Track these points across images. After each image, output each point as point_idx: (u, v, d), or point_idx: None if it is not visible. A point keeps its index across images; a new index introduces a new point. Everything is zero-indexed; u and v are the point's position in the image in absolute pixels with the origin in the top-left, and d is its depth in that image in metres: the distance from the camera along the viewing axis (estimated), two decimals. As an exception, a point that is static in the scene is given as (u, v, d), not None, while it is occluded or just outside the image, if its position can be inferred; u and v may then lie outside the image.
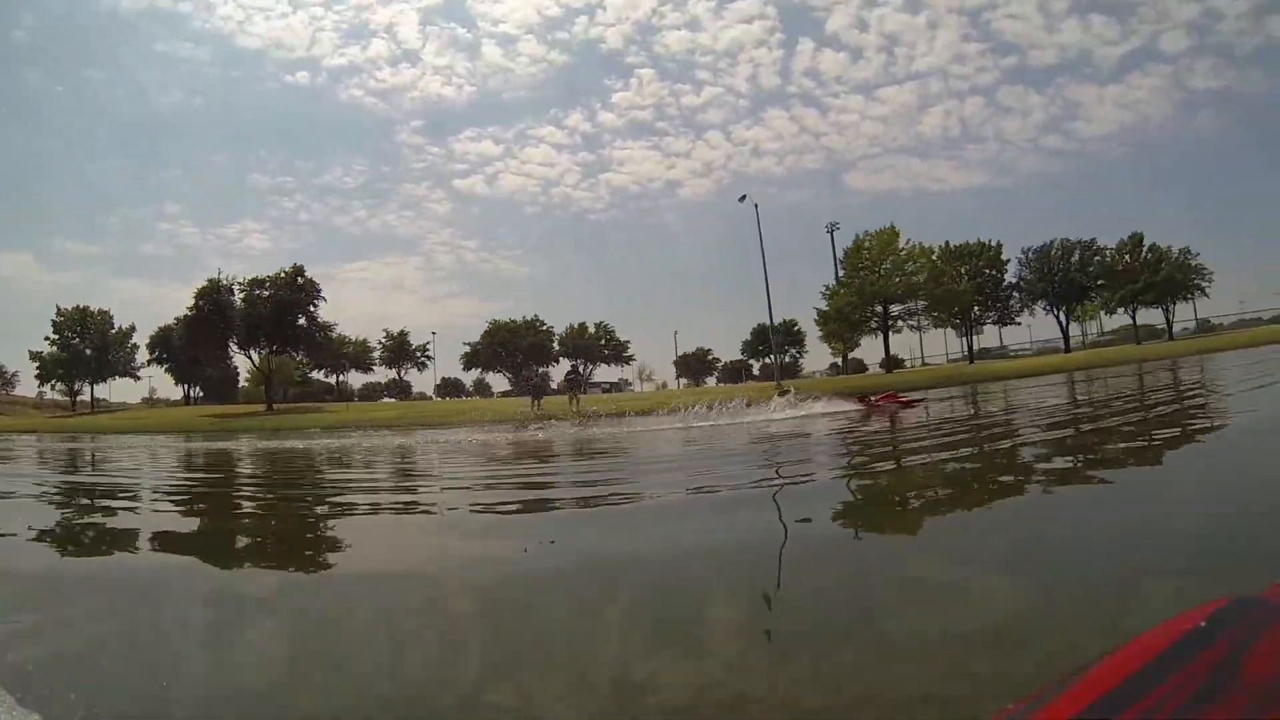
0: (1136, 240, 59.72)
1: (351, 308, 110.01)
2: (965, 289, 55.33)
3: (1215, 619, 0.77)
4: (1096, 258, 60.15)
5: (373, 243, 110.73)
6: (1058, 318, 61.72)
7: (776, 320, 47.98)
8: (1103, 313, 63.59)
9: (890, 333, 53.14)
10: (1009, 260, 61.08)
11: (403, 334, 76.85)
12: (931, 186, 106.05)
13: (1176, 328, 62.98)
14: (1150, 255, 58.70)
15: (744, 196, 41.59)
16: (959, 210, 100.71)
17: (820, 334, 56.80)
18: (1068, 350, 59.29)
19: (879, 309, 51.67)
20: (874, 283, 50.43)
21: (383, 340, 76.55)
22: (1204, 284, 58.82)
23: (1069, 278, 59.79)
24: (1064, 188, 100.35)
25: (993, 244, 60.59)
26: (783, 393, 21.34)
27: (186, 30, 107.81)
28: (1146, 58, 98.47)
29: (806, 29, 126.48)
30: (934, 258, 53.62)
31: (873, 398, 17.58)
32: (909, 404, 16.66)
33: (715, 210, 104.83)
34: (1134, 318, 61.23)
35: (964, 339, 63.31)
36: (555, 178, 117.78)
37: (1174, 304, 60.24)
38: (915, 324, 54.79)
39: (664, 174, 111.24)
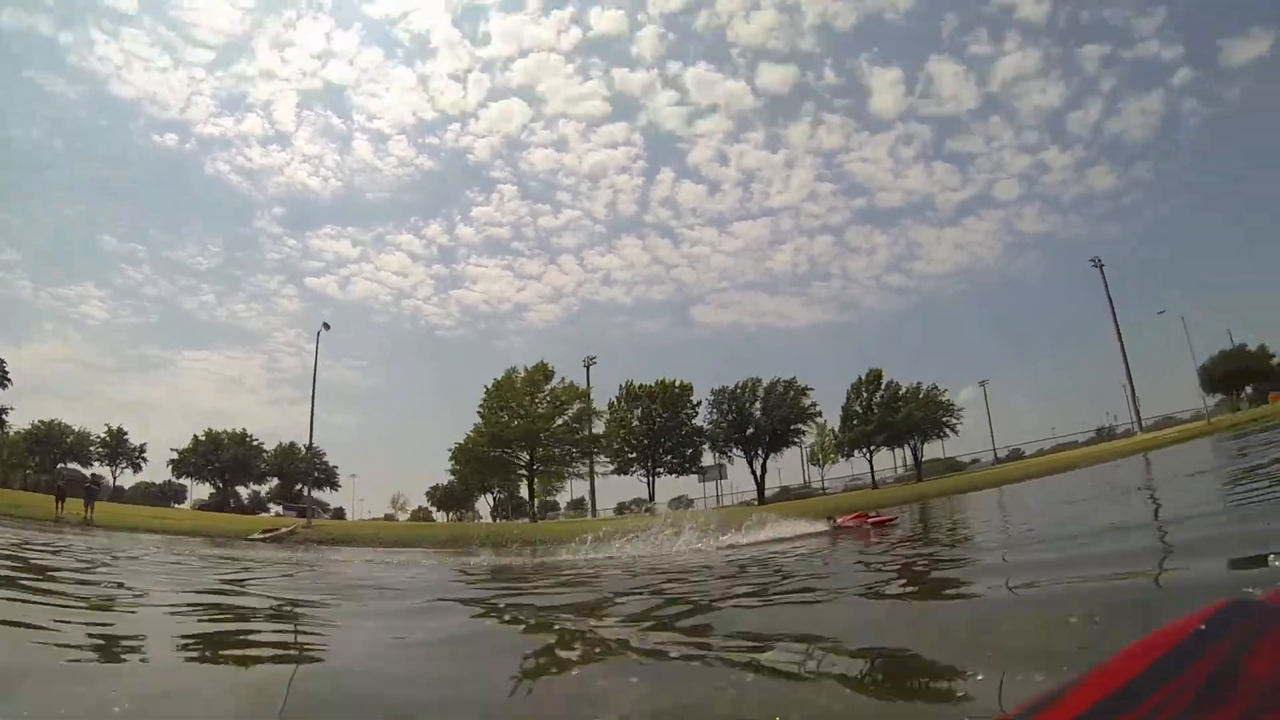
0: (874, 377, 57.29)
1: (188, 399, 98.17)
2: (633, 431, 52.37)
3: (1215, 622, 0.79)
4: (800, 398, 56.78)
5: (219, 331, 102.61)
6: (750, 464, 57.13)
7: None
8: (840, 456, 59.52)
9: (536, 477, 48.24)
10: (699, 402, 56.90)
11: (120, 430, 70.38)
12: (778, 322, 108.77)
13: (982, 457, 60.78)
14: (885, 394, 56.34)
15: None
16: (801, 346, 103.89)
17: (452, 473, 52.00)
18: (761, 499, 53.59)
19: (524, 453, 46.76)
20: (507, 424, 45.76)
21: (102, 435, 69.87)
22: (954, 421, 57.45)
23: (760, 421, 55.95)
24: (903, 324, 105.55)
25: (678, 384, 56.34)
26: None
27: (61, 64, 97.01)
28: (981, 204, 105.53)
29: (669, 159, 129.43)
30: (588, 399, 49.39)
31: (839, 519, 16.51)
32: (882, 523, 15.67)
33: (559, 336, 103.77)
34: (870, 460, 57.95)
35: (647, 481, 56.50)
36: (408, 288, 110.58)
37: (922, 443, 57.59)
38: (572, 470, 50.67)
39: (514, 295, 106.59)
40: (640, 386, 56.09)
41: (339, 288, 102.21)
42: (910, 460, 62.16)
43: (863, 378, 57.46)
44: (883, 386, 56.68)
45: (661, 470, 55.49)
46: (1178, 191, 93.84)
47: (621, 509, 50.24)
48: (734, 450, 57.00)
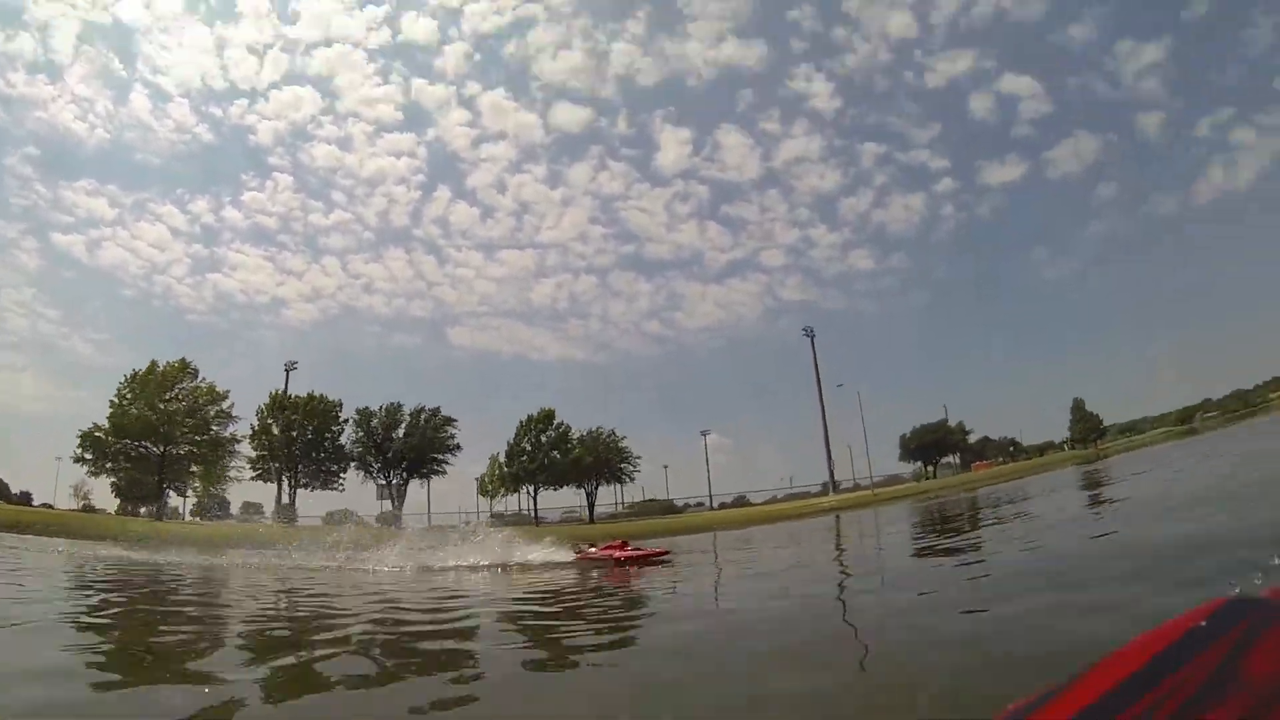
0: (544, 416, 56.78)
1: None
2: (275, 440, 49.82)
3: (1215, 619, 0.78)
4: (445, 428, 55.90)
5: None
6: (388, 487, 55.56)
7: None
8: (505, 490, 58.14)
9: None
10: (347, 420, 54.49)
11: None
12: (532, 354, 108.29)
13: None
14: (554, 435, 56.01)
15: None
16: (551, 380, 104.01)
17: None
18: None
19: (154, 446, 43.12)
20: (136, 416, 41.08)
21: None
22: (631, 469, 58.77)
23: (399, 445, 54.79)
24: (656, 370, 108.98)
25: (326, 399, 53.45)
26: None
27: None
28: (748, 267, 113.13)
29: (449, 178, 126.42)
30: (226, 405, 46.74)
31: (586, 547, 15.56)
32: (648, 557, 14.13)
33: (312, 338, 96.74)
34: (535, 499, 57.22)
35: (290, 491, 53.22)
36: (163, 264, 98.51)
37: (596, 486, 58.27)
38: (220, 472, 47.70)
39: (274, 289, 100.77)
40: (290, 398, 52.58)
41: (87, 250, 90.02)
42: (625, 498, 65.01)
43: (533, 416, 57.00)
44: (553, 427, 56.67)
45: (309, 482, 52.39)
46: (924, 283, 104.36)
47: (330, 518, 45.52)
48: (376, 472, 54.61)
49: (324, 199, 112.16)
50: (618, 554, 14.58)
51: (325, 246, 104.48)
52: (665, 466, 76.02)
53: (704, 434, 70.32)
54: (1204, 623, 0.77)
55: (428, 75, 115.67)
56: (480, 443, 59.04)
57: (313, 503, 53.26)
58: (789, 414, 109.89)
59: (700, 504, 67.44)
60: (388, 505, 54.10)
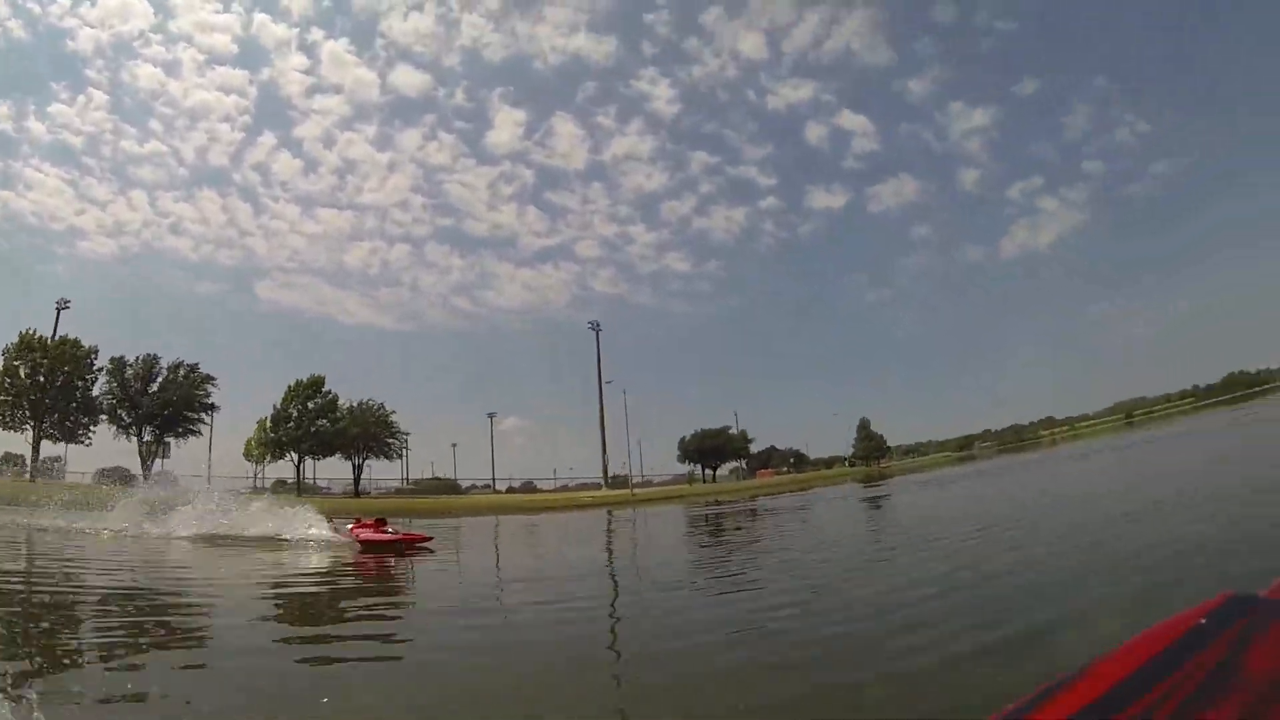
0: (313, 383, 52.50)
1: None
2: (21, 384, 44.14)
3: (1215, 617, 0.77)
4: (203, 387, 51.79)
5: None
6: (140, 443, 49.91)
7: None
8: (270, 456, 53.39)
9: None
10: (101, 369, 48.66)
11: None
12: (340, 316, 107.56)
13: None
14: (321, 403, 52.31)
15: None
16: (359, 344, 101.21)
17: None
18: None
19: None
20: None
21: None
22: (399, 444, 57.51)
23: (155, 401, 49.39)
24: (462, 345, 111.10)
25: (78, 344, 47.42)
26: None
27: None
28: (562, 255, 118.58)
29: (278, 124, 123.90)
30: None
31: (355, 528, 13.52)
32: (408, 542, 12.66)
33: (109, 274, 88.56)
34: (299, 468, 53.31)
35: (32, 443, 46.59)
36: None
37: (364, 459, 55.09)
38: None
39: (71, 217, 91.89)
40: (37, 338, 46.10)
41: None
42: (411, 473, 63.85)
43: (301, 381, 53.36)
44: (321, 394, 53.43)
45: (54, 433, 46.37)
46: (736, 292, 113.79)
47: (103, 475, 38.78)
48: (127, 427, 49.29)
49: (140, 125, 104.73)
50: (365, 534, 12.84)
51: (135, 178, 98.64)
52: (454, 445, 75.39)
53: (491, 416, 71.36)
54: (1204, 620, 0.78)
55: (272, 12, 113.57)
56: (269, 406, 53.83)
57: (88, 458, 46.98)
58: (588, 403, 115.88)
59: (487, 485, 67.08)
60: (160, 464, 48.61)
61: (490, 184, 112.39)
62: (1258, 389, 70.30)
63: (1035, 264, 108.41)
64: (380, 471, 61.30)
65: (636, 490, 57.09)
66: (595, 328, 67.72)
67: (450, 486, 64.67)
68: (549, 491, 63.57)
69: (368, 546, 12.47)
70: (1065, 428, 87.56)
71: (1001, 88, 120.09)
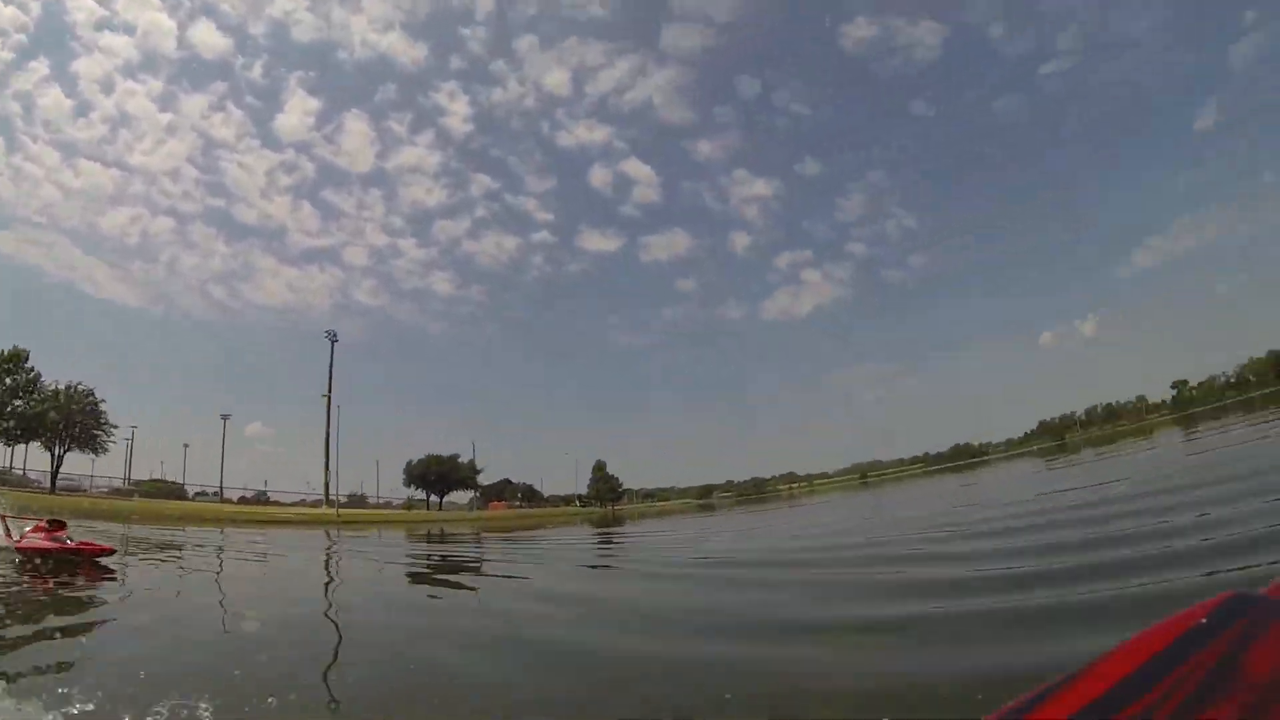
0: (12, 357, 44.57)
1: None
2: None
3: (1216, 616, 0.78)
4: None
5: None
6: None
7: None
8: None
9: None
10: None
11: None
12: (85, 285, 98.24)
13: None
14: (20, 381, 44.41)
15: None
16: (99, 319, 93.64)
17: None
18: None
19: None
20: None
21: None
22: (106, 438, 49.26)
23: None
24: (211, 337, 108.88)
25: None
26: None
27: None
28: (329, 258, 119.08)
29: (54, 52, 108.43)
30: None
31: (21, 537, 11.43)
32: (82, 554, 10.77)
33: None
34: (13, 454, 47.46)
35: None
36: None
37: (65, 449, 46.92)
38: None
39: None
40: None
41: None
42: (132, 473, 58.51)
43: (1, 353, 44.78)
44: (22, 370, 45.46)
45: None
46: (497, 320, 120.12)
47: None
48: None
49: None
50: (33, 540, 11.12)
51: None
52: (186, 445, 68.01)
53: (225, 418, 65.63)
54: (1204, 620, 0.77)
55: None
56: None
57: None
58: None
59: (216, 493, 61.63)
60: None
61: (270, 171, 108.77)
62: (978, 459, 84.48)
63: (793, 329, 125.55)
64: (83, 467, 52.91)
65: (346, 511, 54.92)
66: (332, 338, 63.64)
67: (173, 490, 57.96)
68: (305, 506, 58.48)
69: (29, 555, 10.90)
70: (804, 483, 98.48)
71: (786, 164, 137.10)
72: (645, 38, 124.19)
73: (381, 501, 69.63)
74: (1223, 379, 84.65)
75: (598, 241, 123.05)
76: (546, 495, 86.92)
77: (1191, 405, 79.63)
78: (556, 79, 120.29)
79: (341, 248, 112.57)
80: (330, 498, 58.23)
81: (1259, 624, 0.78)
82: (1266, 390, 65.10)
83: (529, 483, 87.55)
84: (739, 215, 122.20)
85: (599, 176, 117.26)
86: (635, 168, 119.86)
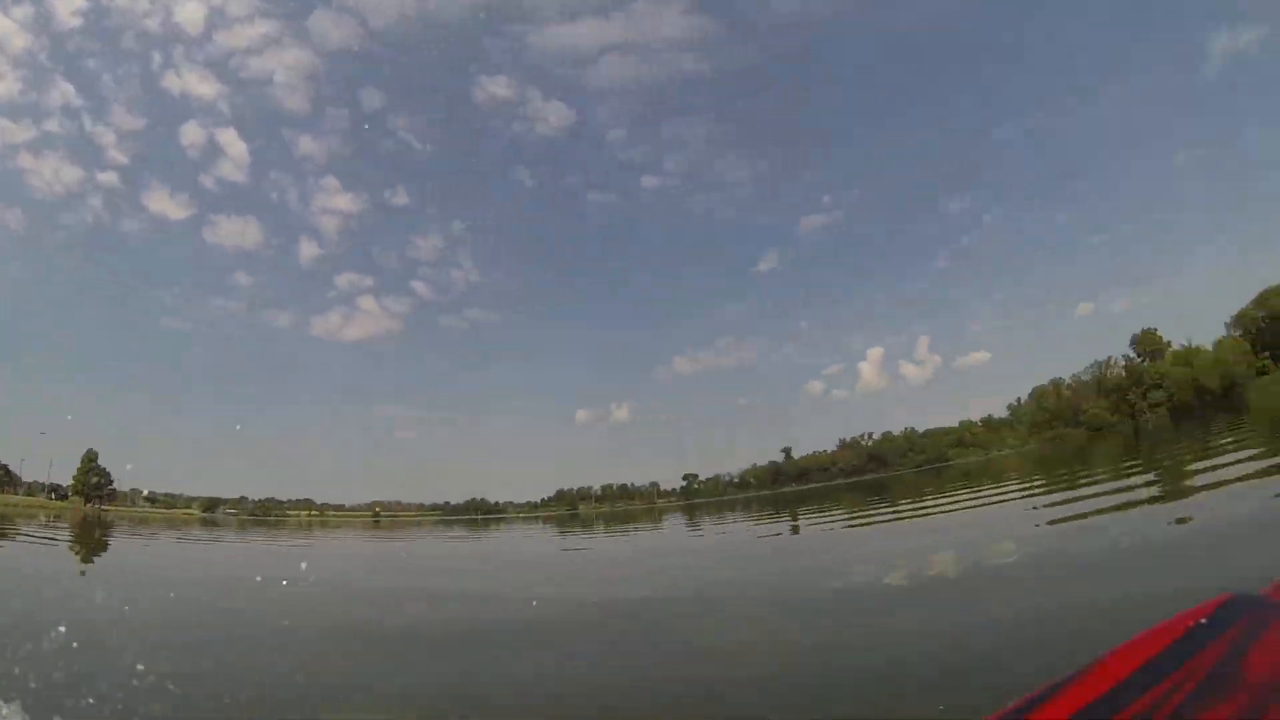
0: None
1: None
2: None
3: (1216, 616, 0.79)
4: None
5: None
6: None
7: None
8: None
9: None
10: None
11: None
12: None
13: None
14: None
15: None
16: None
17: None
18: None
19: None
20: None
21: None
22: None
23: None
24: None
25: None
26: None
27: None
28: None
29: None
30: None
31: None
32: None
33: None
34: None
35: None
36: None
37: None
38: None
39: None
40: None
41: None
42: None
43: None
44: None
45: None
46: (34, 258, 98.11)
47: None
48: None
49: None
50: None
51: None
52: None
53: None
54: (1204, 620, 0.79)
55: None
56: None
57: None
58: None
59: None
60: None
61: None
62: (495, 515, 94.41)
63: (340, 353, 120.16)
64: None
65: None
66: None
67: None
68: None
69: None
70: (318, 512, 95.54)
71: (379, 187, 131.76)
72: (296, 10, 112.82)
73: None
74: (727, 478, 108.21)
75: (166, 204, 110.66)
76: (29, 481, 73.73)
77: (697, 495, 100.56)
78: (190, 13, 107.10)
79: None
80: None
81: (1258, 624, 0.78)
82: (763, 492, 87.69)
83: (5, 463, 73.48)
84: (317, 223, 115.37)
85: (191, 135, 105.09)
86: (231, 140, 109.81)
